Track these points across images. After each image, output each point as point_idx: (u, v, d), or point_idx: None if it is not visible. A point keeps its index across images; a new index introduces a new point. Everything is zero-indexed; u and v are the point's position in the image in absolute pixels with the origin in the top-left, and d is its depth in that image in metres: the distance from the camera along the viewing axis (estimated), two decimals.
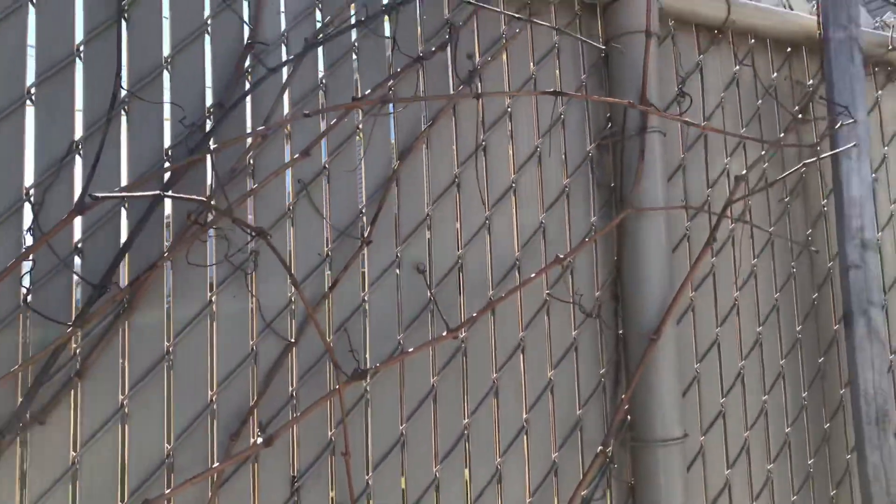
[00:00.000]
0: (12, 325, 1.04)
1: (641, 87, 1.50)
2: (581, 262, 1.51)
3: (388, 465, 1.27)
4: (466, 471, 1.35)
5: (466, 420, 1.35)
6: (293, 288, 1.22)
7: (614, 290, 1.53)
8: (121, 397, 1.09)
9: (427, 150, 1.37)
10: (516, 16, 1.39)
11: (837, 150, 1.69)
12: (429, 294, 1.32)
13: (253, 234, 1.08)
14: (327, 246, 1.27)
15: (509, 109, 1.47)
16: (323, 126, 1.28)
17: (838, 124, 1.66)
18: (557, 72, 1.54)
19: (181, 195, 1.04)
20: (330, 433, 1.23)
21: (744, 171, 1.59)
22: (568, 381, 1.46)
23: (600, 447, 1.42)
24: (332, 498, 1.22)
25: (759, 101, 1.78)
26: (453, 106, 1.39)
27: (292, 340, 1.21)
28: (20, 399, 1.03)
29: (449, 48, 1.41)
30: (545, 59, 1.53)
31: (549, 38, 1.53)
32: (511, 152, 1.46)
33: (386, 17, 1.36)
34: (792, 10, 1.88)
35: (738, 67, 1.74)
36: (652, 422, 1.44)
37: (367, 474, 1.25)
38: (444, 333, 1.28)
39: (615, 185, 1.55)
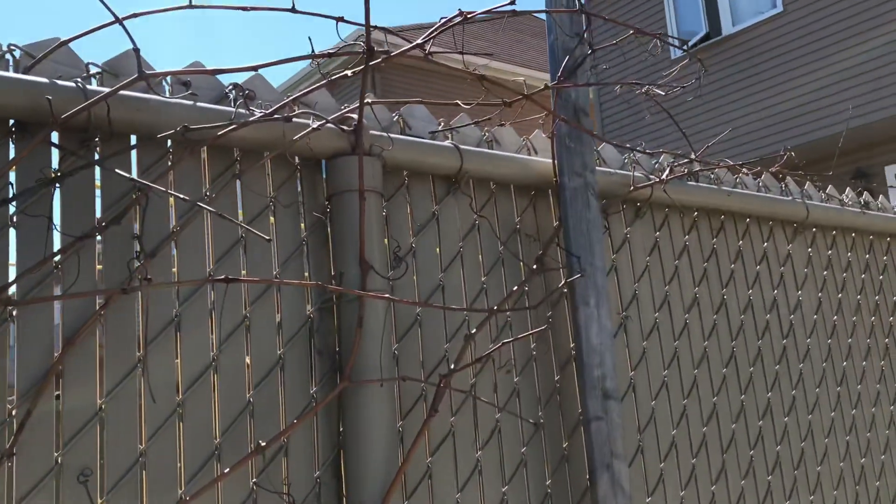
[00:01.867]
0: None
1: (359, 247, 1.42)
2: (300, 439, 1.38)
3: None
4: None
5: None
6: None
7: (337, 469, 1.42)
8: None
9: (103, 333, 1.22)
10: (182, 197, 1.28)
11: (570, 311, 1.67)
12: None
13: None
14: None
15: (210, 284, 1.34)
16: None
17: (568, 277, 1.64)
18: (273, 230, 1.44)
19: None
20: None
21: (473, 331, 1.53)
22: None
23: None
24: None
25: (501, 248, 1.75)
26: (140, 280, 1.26)
27: None
28: None
29: (137, 217, 1.28)
30: (261, 215, 1.43)
31: (265, 193, 1.44)
32: (212, 325, 1.34)
33: (57, 186, 1.22)
34: (536, 152, 1.89)
35: (475, 217, 1.71)
36: None
37: None
38: None
39: (339, 352, 1.45)
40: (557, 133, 1.76)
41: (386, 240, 1.55)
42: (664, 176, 2.04)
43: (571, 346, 1.80)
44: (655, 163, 2.13)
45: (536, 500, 1.67)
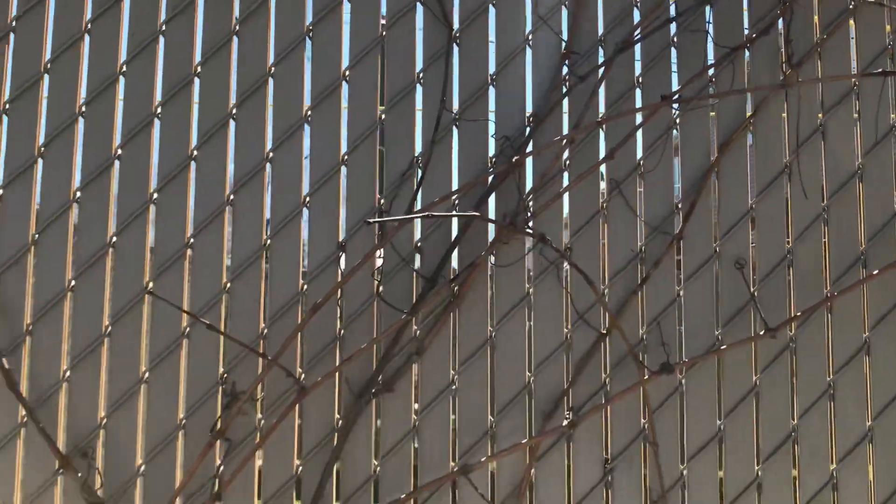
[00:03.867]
0: (367, 312, 1.28)
1: None
2: None
3: (702, 459, 1.28)
4: (794, 472, 1.29)
5: (794, 422, 1.29)
6: (605, 282, 1.30)
7: None
8: (452, 373, 1.28)
9: (754, 138, 1.32)
10: None
11: None
12: (749, 291, 1.28)
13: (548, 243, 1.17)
14: (641, 242, 1.31)
15: (856, 83, 1.33)
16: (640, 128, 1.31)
17: None
18: None
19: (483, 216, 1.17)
20: (643, 422, 1.28)
21: None
22: None
23: None
24: (645, 484, 1.28)
25: None
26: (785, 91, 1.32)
27: (603, 332, 1.28)
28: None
29: (782, 27, 1.33)
30: None
31: None
32: (857, 132, 1.33)
33: (708, 6, 1.34)
34: None
35: None
36: None
37: (682, 465, 1.28)
38: (762, 332, 1.24)
39: None
40: None
41: None
42: None
43: None
44: None
45: None
